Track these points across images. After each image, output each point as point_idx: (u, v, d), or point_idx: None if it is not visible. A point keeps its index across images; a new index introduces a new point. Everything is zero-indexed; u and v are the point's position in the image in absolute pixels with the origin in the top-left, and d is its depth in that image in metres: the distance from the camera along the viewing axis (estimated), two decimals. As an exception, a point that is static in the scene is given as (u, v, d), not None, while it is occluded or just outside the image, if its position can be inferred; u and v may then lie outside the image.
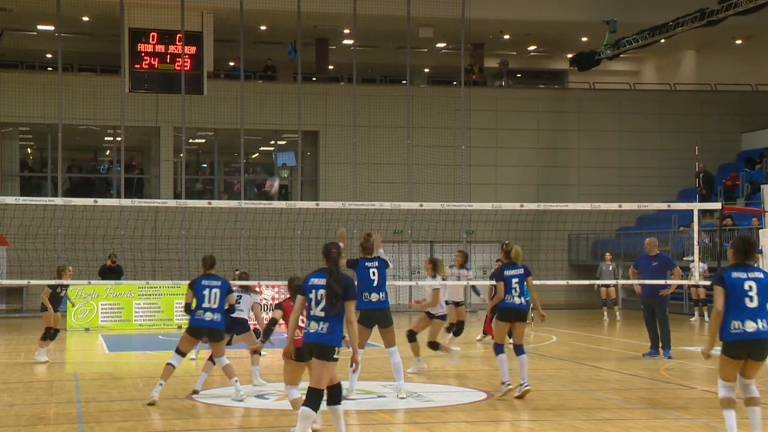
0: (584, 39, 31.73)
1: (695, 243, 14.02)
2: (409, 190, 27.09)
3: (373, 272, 10.93)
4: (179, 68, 26.95)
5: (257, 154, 32.95)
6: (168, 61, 27.01)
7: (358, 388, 12.01)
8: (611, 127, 31.56)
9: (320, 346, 7.61)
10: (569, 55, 32.15)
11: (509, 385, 11.04)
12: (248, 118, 27.76)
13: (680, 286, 17.89)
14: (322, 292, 7.63)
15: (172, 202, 19.33)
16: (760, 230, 12.72)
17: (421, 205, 15.40)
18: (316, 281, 7.70)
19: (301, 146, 28.80)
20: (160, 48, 26.97)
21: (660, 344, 15.35)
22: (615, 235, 29.06)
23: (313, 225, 25.16)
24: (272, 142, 31.57)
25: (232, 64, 31.59)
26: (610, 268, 23.74)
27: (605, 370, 12.16)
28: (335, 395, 7.71)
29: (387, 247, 31.05)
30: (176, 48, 27.01)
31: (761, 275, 7.79)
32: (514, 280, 11.17)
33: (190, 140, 30.44)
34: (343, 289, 7.62)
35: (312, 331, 7.61)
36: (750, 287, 7.69)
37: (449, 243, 27.46)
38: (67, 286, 15.89)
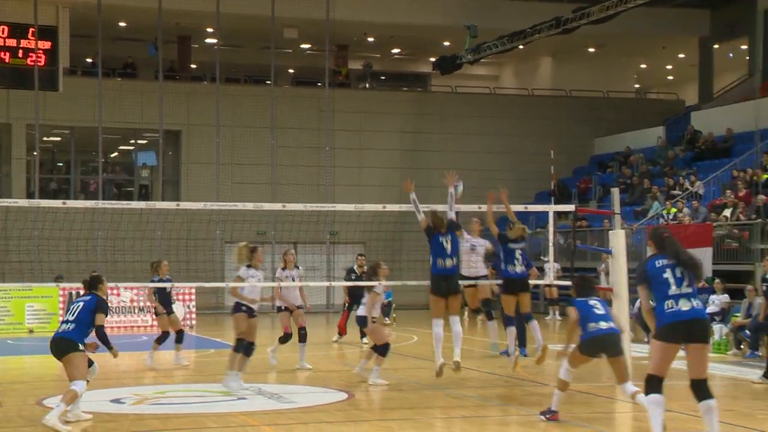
0: (446, 43, 32.27)
1: (550, 244, 14.42)
2: (273, 191, 26.93)
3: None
4: (32, 63, 25.98)
5: (116, 153, 32.10)
6: (20, 55, 25.99)
7: (218, 390, 11.84)
8: (472, 130, 32.17)
9: (702, 323, 7.14)
10: (432, 59, 32.66)
11: (514, 352, 12.54)
12: (107, 116, 27.02)
13: (536, 286, 18.38)
14: (679, 269, 7.22)
15: (23, 202, 18.58)
16: (610, 231, 13.20)
17: (284, 206, 15.27)
18: (664, 261, 7.28)
19: (163, 146, 28.23)
20: (11, 42, 25.92)
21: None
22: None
23: (174, 226, 24.68)
24: (132, 141, 30.82)
25: (89, 60, 30.67)
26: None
27: (464, 369, 12.37)
28: (706, 389, 7.12)
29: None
30: (29, 42, 26.02)
31: None
32: (518, 252, 12.26)
33: (45, 138, 29.38)
34: (700, 264, 7.48)
35: (685, 308, 7.05)
36: (594, 304, 9.33)
37: (312, 244, 27.47)
38: (169, 280, 14.61)
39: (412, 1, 29.89)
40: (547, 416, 9.44)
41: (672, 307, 7.01)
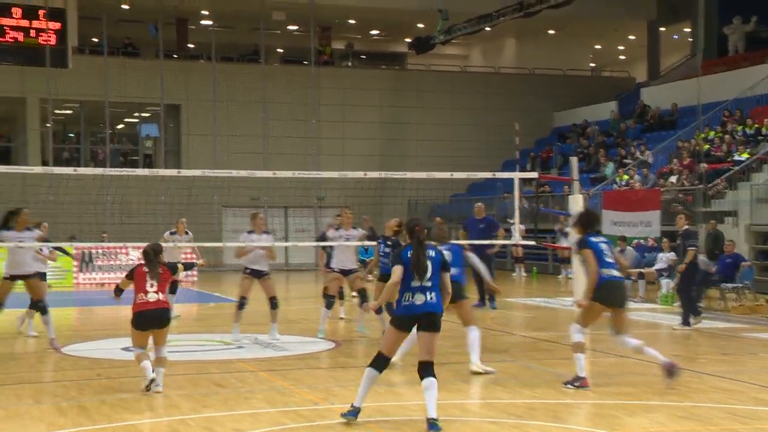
0: (420, 25, 32.03)
1: (516, 207, 14.41)
2: (265, 160, 26.77)
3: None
4: (44, 42, 25.58)
5: (122, 125, 31.78)
6: (32, 35, 25.57)
7: (219, 339, 11.84)
8: (445, 105, 32.09)
9: (433, 316, 6.85)
10: (408, 40, 32.45)
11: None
12: (113, 92, 26.71)
13: (504, 245, 18.42)
14: (428, 263, 6.88)
15: (39, 169, 18.34)
16: (570, 196, 13.24)
17: (275, 174, 15.14)
18: (411, 254, 6.94)
19: (164, 118, 27.99)
20: (24, 23, 25.50)
21: (486, 297, 15.81)
22: (449, 201, 29.68)
23: (175, 191, 24.52)
24: (136, 114, 30.51)
25: (96, 40, 30.24)
26: (442, 231, 24.14)
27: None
28: (431, 369, 6.83)
29: (246, 211, 30.71)
30: (40, 23, 25.61)
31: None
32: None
33: (57, 111, 29.03)
34: (445, 261, 7.03)
35: (419, 303, 6.82)
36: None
37: (300, 208, 27.41)
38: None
39: (390, -13, 29.65)
40: (576, 384, 8.28)
41: (408, 300, 6.85)
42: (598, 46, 37.29)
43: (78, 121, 29.79)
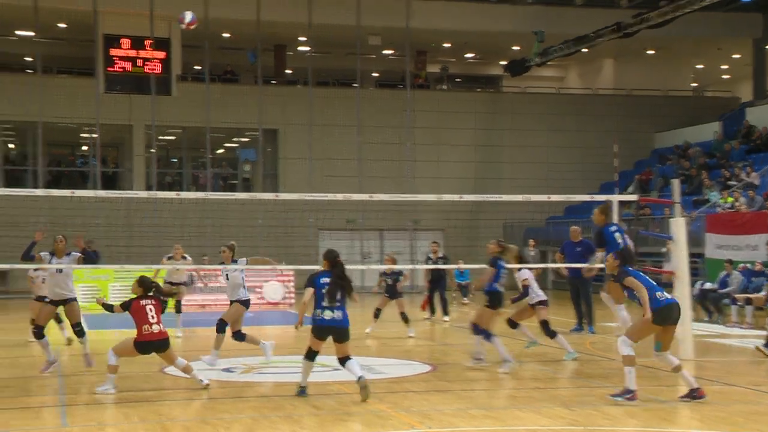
0: (516, 48, 31.92)
1: (615, 230, 14.12)
2: (360, 183, 27.05)
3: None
4: (150, 71, 26.59)
5: (222, 150, 32.65)
6: (139, 64, 26.64)
7: (317, 362, 11.97)
8: (540, 127, 31.82)
9: (340, 329, 8.87)
10: (503, 62, 32.38)
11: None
12: (213, 117, 27.50)
13: (602, 269, 18.06)
14: (335, 287, 8.89)
15: (143, 194, 19.05)
16: (671, 219, 12.94)
17: (371, 197, 15.30)
18: (327, 279, 8.92)
19: (262, 143, 28.63)
20: (132, 53, 26.61)
21: (585, 321, 15.55)
22: (545, 224, 29.34)
23: (273, 214, 25.03)
24: (235, 139, 31.31)
25: (198, 67, 31.25)
26: (532, 254, 23.93)
27: (538, 345, 12.30)
28: (348, 359, 9.00)
29: (341, 234, 31.03)
30: (147, 53, 26.66)
31: None
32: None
33: (160, 137, 30.06)
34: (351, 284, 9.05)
35: (327, 318, 8.82)
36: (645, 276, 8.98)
37: (396, 230, 27.55)
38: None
39: (484, 10, 29.69)
40: (627, 397, 8.58)
41: (320, 316, 8.83)
42: (699, 66, 36.40)
43: (180, 146, 30.76)
